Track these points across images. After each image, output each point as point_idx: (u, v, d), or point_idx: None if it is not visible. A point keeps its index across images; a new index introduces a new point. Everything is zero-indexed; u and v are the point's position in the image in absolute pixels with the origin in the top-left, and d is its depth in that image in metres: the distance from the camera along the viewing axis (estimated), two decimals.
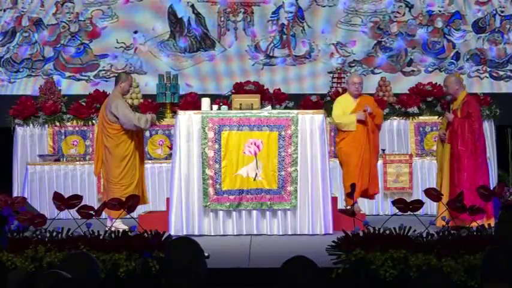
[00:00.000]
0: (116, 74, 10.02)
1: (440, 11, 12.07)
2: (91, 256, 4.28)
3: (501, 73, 12.02)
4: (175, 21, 12.06)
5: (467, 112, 8.82)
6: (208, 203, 8.65)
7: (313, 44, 12.05)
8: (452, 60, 12.00)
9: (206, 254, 4.31)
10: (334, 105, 9.72)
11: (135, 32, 12.00)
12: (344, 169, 9.55)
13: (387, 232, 6.46)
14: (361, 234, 6.48)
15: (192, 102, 10.93)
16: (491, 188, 7.60)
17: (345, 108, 9.54)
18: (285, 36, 12.08)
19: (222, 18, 12.06)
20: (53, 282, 3.70)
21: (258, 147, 8.70)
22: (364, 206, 10.11)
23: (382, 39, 12.04)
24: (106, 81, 11.80)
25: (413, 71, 12.02)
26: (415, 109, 11.13)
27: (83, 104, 11.11)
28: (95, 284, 4.06)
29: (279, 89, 11.51)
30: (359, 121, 9.39)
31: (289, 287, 3.72)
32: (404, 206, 6.83)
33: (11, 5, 11.89)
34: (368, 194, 9.61)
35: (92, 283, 4.01)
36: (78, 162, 10.76)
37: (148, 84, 11.69)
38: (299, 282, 3.72)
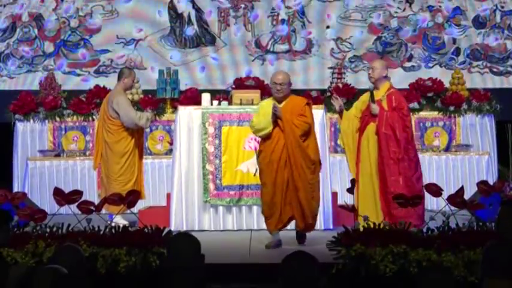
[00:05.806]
0: (117, 69, 10.01)
1: (440, 6, 12.04)
2: (77, 247, 4.36)
3: (501, 68, 12.01)
4: (175, 17, 12.04)
5: (394, 107, 7.58)
6: (209, 199, 8.65)
7: (313, 39, 12.03)
8: (452, 56, 11.98)
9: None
10: (255, 111, 7.92)
11: (136, 27, 11.98)
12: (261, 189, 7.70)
13: (387, 227, 6.46)
14: (361, 229, 6.49)
15: (192, 97, 10.92)
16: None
17: (265, 114, 7.53)
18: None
19: (222, 14, 12.04)
20: (53, 278, 3.71)
21: (258, 142, 8.68)
22: None
23: (382, 35, 12.01)
24: (106, 76, 11.78)
25: (413, 66, 12.00)
26: (415, 105, 11.11)
27: (83, 99, 11.11)
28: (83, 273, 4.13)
29: None
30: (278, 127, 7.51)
31: (290, 282, 3.72)
32: (404, 201, 6.83)
33: (11, 0, 11.87)
34: (297, 227, 7.60)
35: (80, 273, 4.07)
36: (78, 158, 10.76)
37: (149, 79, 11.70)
38: (300, 277, 3.72)
